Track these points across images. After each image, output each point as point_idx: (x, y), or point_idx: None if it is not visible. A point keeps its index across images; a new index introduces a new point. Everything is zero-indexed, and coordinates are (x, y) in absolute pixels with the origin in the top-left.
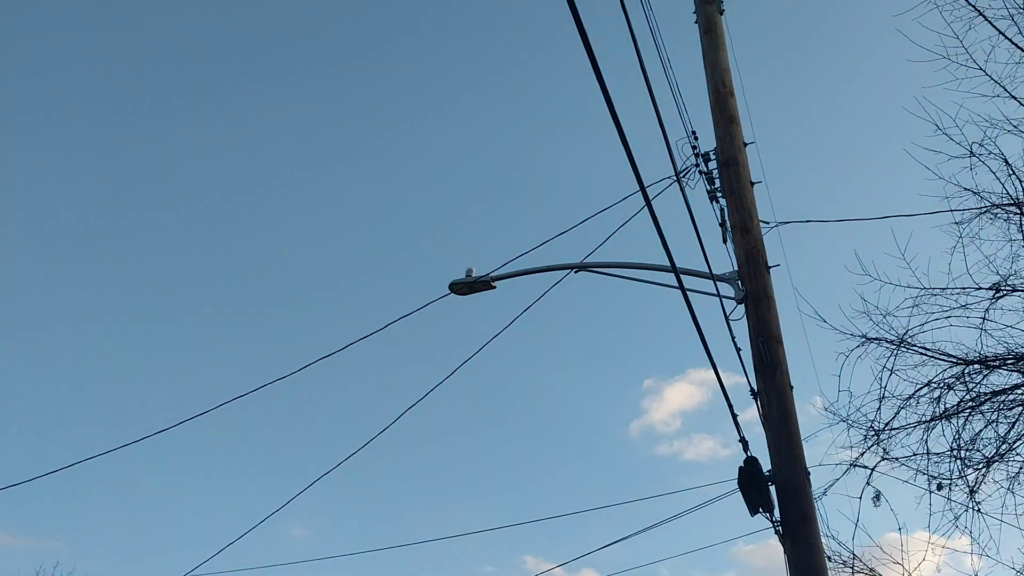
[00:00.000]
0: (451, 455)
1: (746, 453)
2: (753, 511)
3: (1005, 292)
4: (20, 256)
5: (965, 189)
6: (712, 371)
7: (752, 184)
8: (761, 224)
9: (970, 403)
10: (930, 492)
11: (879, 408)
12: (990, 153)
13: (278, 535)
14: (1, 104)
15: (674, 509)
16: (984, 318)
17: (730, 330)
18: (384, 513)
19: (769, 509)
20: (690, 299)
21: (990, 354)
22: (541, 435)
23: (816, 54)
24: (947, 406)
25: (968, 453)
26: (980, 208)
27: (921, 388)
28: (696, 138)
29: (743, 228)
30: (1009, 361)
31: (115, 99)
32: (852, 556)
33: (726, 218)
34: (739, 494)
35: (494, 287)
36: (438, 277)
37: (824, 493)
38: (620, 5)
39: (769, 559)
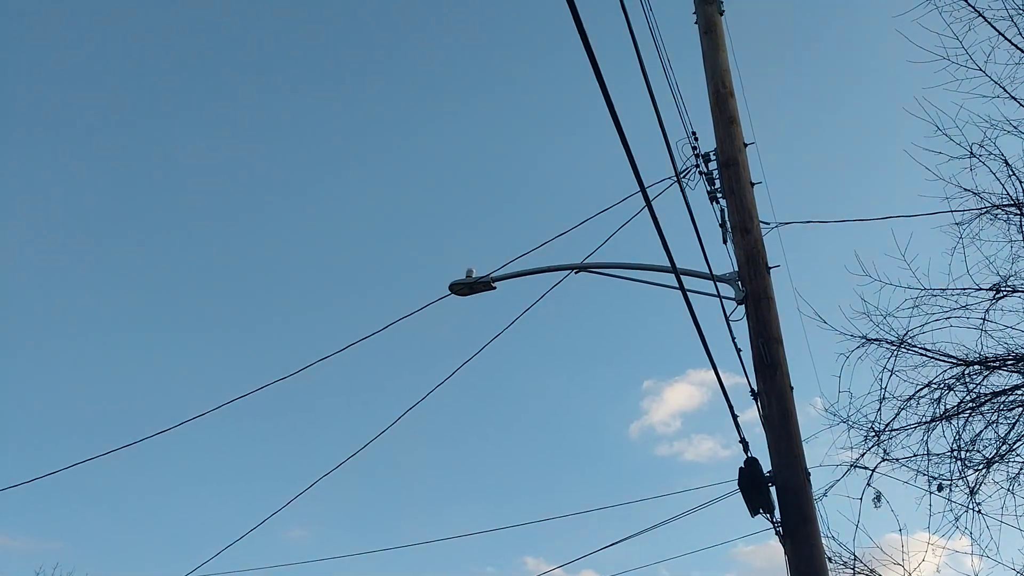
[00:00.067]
0: (451, 456)
1: (746, 454)
2: (753, 512)
3: (1005, 293)
4: (20, 259)
5: (965, 190)
6: (712, 372)
7: (752, 185)
8: (761, 225)
9: (970, 404)
10: (930, 493)
11: (879, 409)
12: (990, 154)
13: (278, 536)
14: (2, 104)
15: (674, 510)
16: (984, 319)
17: (730, 331)
18: (384, 514)
19: (769, 510)
20: (690, 300)
21: (990, 355)
22: (541, 436)
23: (816, 55)
24: (947, 407)
25: (968, 454)
26: (980, 209)
27: (921, 389)
28: (696, 139)
29: (743, 229)
30: (1009, 362)
31: (118, 101)
32: (853, 557)
33: (726, 219)
34: (739, 495)
35: (494, 288)
36: (438, 278)
37: (824, 494)
38: (620, 6)
39: (770, 560)
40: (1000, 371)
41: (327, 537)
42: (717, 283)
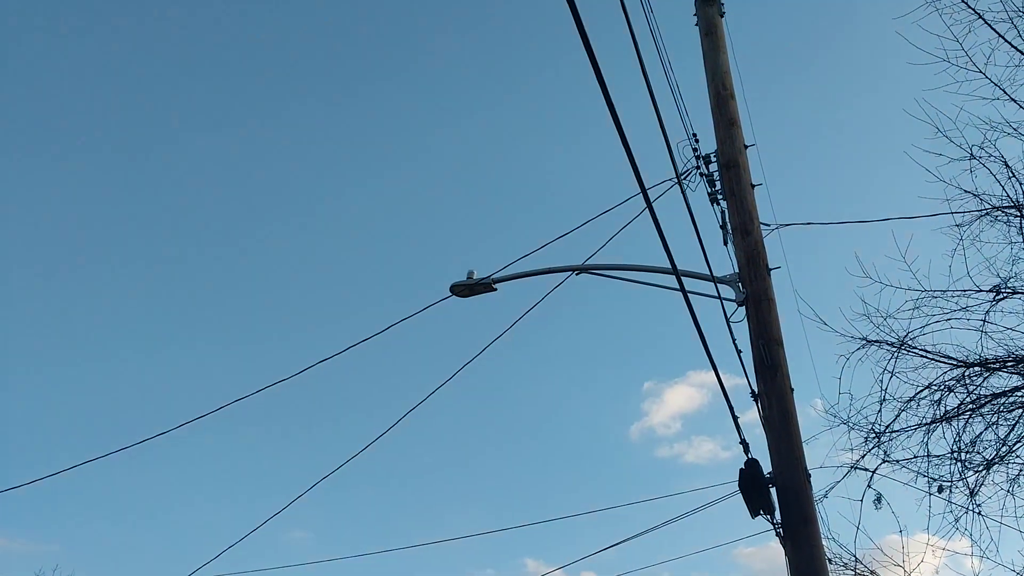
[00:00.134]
0: (452, 457)
1: (747, 455)
2: (754, 513)
3: (1005, 294)
4: (19, 260)
5: (965, 191)
6: (712, 373)
7: (753, 186)
8: (762, 226)
9: (970, 405)
10: (930, 494)
11: (880, 410)
12: (990, 156)
13: (278, 538)
14: (2, 104)
15: (674, 511)
16: (984, 320)
17: (731, 332)
18: (384, 516)
19: (770, 511)
20: (691, 301)
21: (990, 356)
22: (542, 437)
23: (817, 57)
24: (947, 408)
25: (968, 455)
26: (980, 210)
27: (922, 390)
28: (697, 140)
29: (744, 230)
30: (1009, 363)
31: (118, 101)
32: (853, 559)
33: (727, 220)
34: (740, 496)
35: (495, 289)
36: (439, 279)
37: (825, 495)
38: (621, 7)
39: (770, 561)
40: (1000, 373)
41: (328, 539)
42: (718, 284)
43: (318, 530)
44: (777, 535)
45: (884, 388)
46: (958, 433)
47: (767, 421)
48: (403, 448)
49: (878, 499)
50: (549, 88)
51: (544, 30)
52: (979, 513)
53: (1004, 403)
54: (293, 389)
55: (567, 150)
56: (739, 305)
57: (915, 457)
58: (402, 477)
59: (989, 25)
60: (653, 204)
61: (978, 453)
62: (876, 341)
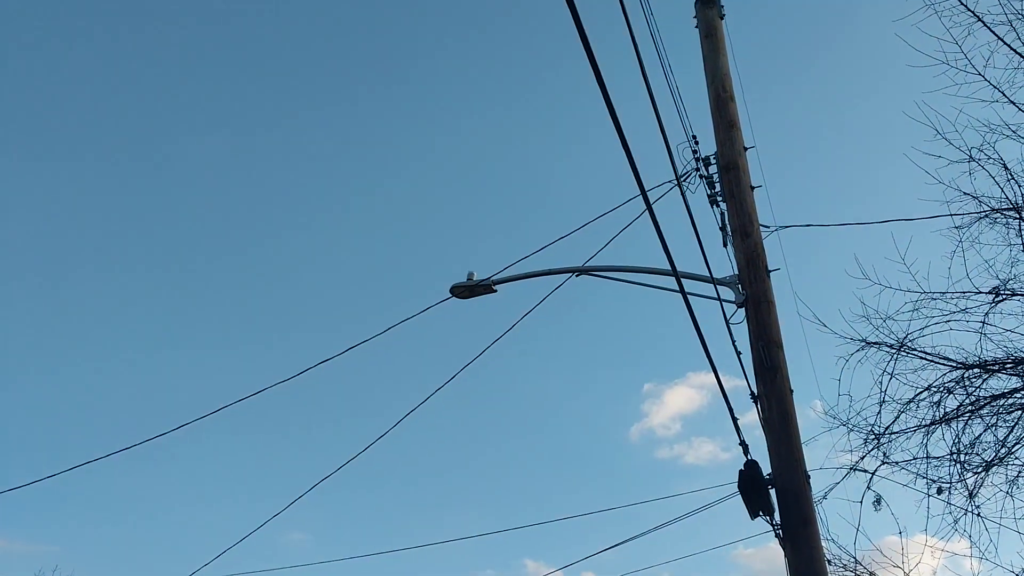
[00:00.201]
0: (451, 459)
1: (746, 457)
2: (753, 515)
3: (1005, 296)
4: (19, 258)
5: (965, 194)
6: (712, 375)
7: (752, 188)
8: (761, 228)
9: (970, 407)
10: (929, 496)
11: (879, 412)
12: (989, 158)
13: (277, 540)
14: (2, 103)
15: (674, 512)
16: (984, 322)
17: (730, 334)
18: (384, 517)
19: (769, 513)
20: (691, 303)
21: (989, 358)
22: (541, 439)
23: (816, 59)
24: (947, 410)
25: (967, 457)
26: (980, 212)
27: (921, 392)
28: (697, 142)
29: (743, 232)
30: (1008, 365)
31: (119, 102)
32: (853, 560)
33: (726, 222)
34: (739, 498)
35: (495, 291)
36: (439, 280)
37: (824, 497)
38: (621, 9)
39: (770, 562)
40: (999, 374)
41: (327, 540)
42: (717, 286)
43: (317, 532)
44: (776, 536)
45: (883, 390)
46: (957, 435)
47: (767, 423)
48: (403, 449)
49: (878, 501)
50: (549, 90)
51: (545, 33)
52: (978, 515)
53: (1003, 405)
54: (293, 390)
55: (567, 152)
56: (739, 307)
57: (914, 459)
58: (402, 478)
59: (988, 28)
60: (653, 206)
61: (977, 455)
62: (875, 343)
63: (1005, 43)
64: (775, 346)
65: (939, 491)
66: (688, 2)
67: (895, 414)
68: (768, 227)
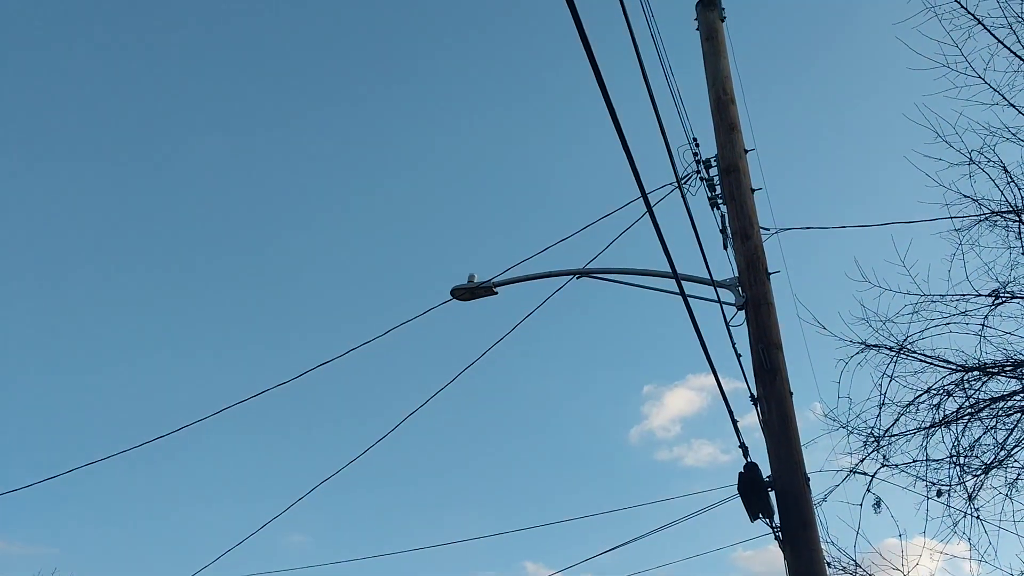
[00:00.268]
0: (452, 460)
1: (746, 459)
2: (753, 517)
3: (1004, 299)
4: (19, 260)
5: (964, 196)
6: (712, 377)
7: (753, 191)
8: (761, 231)
9: (969, 410)
10: (928, 498)
11: (879, 414)
12: (989, 161)
13: (277, 542)
14: (2, 103)
15: (674, 515)
16: (983, 325)
17: (730, 336)
18: (384, 519)
19: (769, 515)
20: (691, 305)
21: (989, 361)
22: (542, 440)
23: (817, 61)
24: (946, 413)
25: (967, 459)
26: (979, 215)
27: (920, 395)
28: (697, 145)
29: (744, 234)
30: (1008, 368)
31: (115, 100)
32: (852, 563)
33: (727, 224)
34: (739, 500)
35: (496, 293)
36: (440, 283)
37: (824, 499)
38: (622, 12)
39: (769, 564)
40: (999, 377)
41: (327, 542)
42: (717, 288)
43: (317, 534)
44: (776, 539)
45: (883, 392)
46: (957, 437)
47: (766, 425)
48: (403, 451)
49: (878, 503)
50: (550, 92)
51: (545, 33)
52: (977, 517)
53: (1003, 407)
54: (293, 392)
55: (568, 154)
56: (739, 309)
57: (914, 461)
58: (402, 480)
59: (988, 31)
60: (653, 208)
61: (976, 457)
62: (875, 345)
63: (1005, 46)
64: (775, 348)
65: (938, 494)
66: (689, 4)
67: (895, 416)
68: (768, 229)
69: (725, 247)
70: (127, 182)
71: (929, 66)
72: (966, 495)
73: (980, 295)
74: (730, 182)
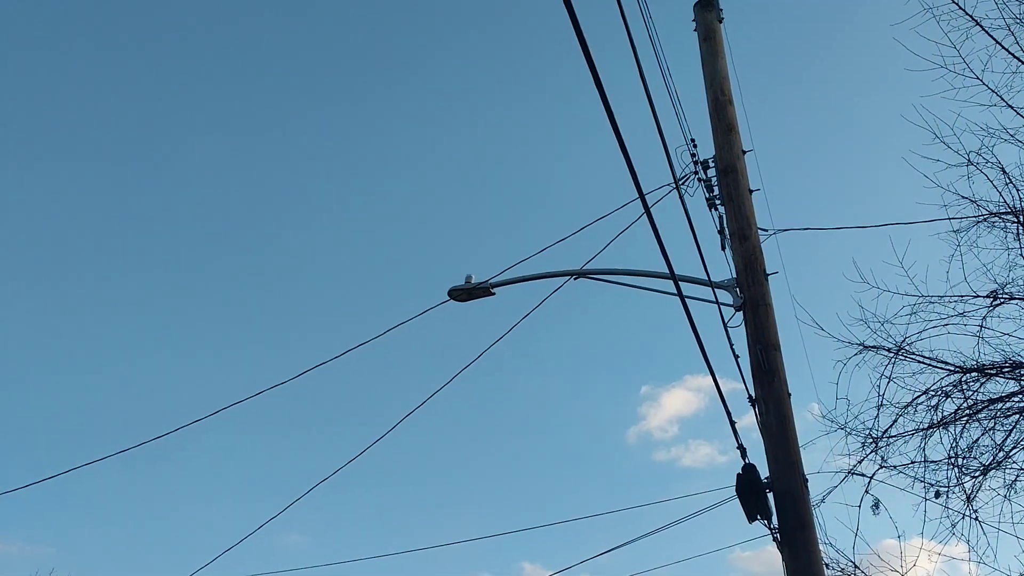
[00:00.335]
0: (449, 461)
1: (744, 460)
2: (751, 518)
3: (1002, 300)
4: (18, 259)
5: (963, 197)
6: (710, 378)
7: (751, 192)
8: (759, 231)
9: (967, 411)
10: (927, 500)
11: (877, 416)
12: (987, 162)
13: (275, 542)
14: (2, 103)
15: (672, 515)
16: (981, 326)
17: (728, 337)
18: (381, 520)
19: (767, 516)
20: (688, 306)
21: (987, 362)
22: (539, 441)
23: (815, 62)
24: (944, 414)
25: (965, 461)
26: (978, 216)
27: (919, 396)
28: (695, 146)
29: (741, 235)
30: (1006, 369)
31: (116, 100)
32: (851, 564)
33: (725, 225)
34: (737, 501)
35: (493, 294)
36: (437, 283)
37: (822, 500)
38: (620, 13)
39: (768, 565)
40: (997, 378)
41: (325, 543)
42: (715, 289)
43: (315, 534)
44: (774, 540)
45: (881, 393)
46: (955, 438)
47: (764, 426)
48: (401, 452)
49: (876, 505)
50: (548, 93)
51: (544, 34)
52: (976, 518)
53: (1001, 408)
54: (291, 392)
55: (566, 155)
56: (737, 310)
57: (912, 462)
58: (400, 481)
59: (986, 32)
60: (651, 209)
61: (975, 458)
62: (873, 346)
63: (1003, 47)
64: (773, 349)
65: (937, 495)
66: (687, 5)
67: (893, 418)
68: (766, 230)
69: (723, 248)
70: (127, 182)
71: (927, 67)
72: (964, 496)
73: (978, 296)
74: (728, 183)
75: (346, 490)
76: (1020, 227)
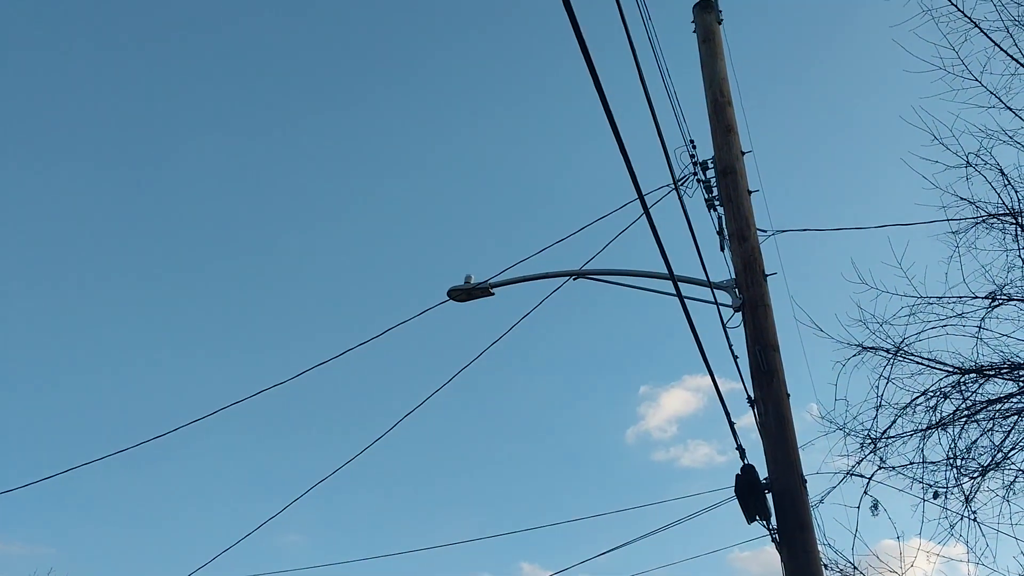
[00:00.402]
0: (448, 462)
1: (743, 460)
2: (750, 519)
3: (1001, 301)
4: (18, 259)
5: (961, 199)
6: (709, 378)
7: (750, 192)
8: (758, 232)
9: (966, 412)
10: (925, 500)
11: (875, 416)
12: (986, 163)
13: (273, 542)
14: (2, 103)
15: (670, 516)
16: (980, 327)
17: (727, 338)
18: (380, 520)
19: (766, 517)
20: (687, 306)
21: (986, 363)
22: (538, 441)
23: (814, 64)
24: (943, 415)
25: (964, 462)
26: (976, 218)
27: (917, 397)
28: (694, 147)
29: (740, 236)
30: (1004, 370)
31: (116, 101)
32: (850, 565)
33: (724, 226)
34: (736, 501)
35: (492, 294)
36: (436, 284)
37: (821, 501)
38: (619, 14)
39: (766, 565)
40: (995, 379)
41: (323, 543)
42: (714, 290)
43: (313, 534)
44: (773, 541)
45: (880, 394)
46: (954, 439)
47: (763, 427)
48: (399, 452)
49: (875, 506)
50: (548, 94)
51: (544, 35)
52: (975, 519)
53: (999, 409)
54: (290, 393)
55: (565, 156)
56: (735, 311)
57: (911, 463)
58: (398, 481)
59: (985, 34)
60: (650, 210)
61: (973, 459)
62: (872, 347)
63: (1002, 49)
64: (772, 350)
65: (935, 496)
66: (686, 6)
67: (891, 418)
68: (765, 231)
69: (722, 249)
70: (127, 182)
71: (926, 69)
72: (963, 497)
73: (977, 297)
74: (727, 184)
75: (345, 490)
76: (1018, 228)
